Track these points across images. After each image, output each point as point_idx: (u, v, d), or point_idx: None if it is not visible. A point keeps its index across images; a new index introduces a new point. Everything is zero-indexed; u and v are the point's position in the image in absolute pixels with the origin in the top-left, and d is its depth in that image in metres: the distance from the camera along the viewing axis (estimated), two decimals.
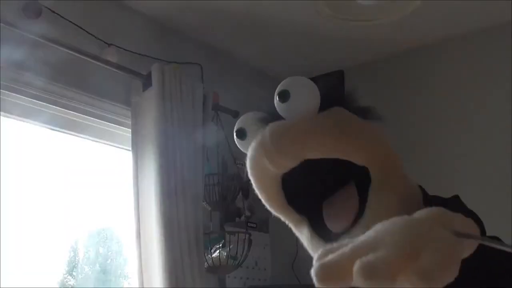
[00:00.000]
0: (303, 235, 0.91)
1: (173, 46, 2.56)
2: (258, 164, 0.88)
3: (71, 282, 2.35)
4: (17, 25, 1.91)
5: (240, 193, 2.60)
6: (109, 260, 2.55)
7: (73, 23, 2.13)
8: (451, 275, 0.55)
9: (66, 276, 2.33)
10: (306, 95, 0.85)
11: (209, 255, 2.30)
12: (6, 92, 1.99)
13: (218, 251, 2.32)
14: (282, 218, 0.92)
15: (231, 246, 2.33)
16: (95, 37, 2.21)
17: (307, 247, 0.91)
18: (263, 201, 0.91)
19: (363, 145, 0.83)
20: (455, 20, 2.60)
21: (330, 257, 0.55)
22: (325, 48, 2.84)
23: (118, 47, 2.27)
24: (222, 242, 2.35)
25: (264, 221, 2.87)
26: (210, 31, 2.66)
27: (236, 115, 2.61)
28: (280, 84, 0.86)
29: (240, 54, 2.89)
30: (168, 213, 2.10)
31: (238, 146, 0.95)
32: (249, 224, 2.69)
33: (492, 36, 2.64)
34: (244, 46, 2.80)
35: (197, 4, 2.42)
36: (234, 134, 0.93)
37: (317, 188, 0.89)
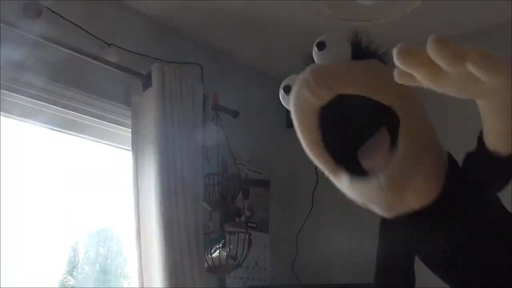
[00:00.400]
0: (342, 183, 1.05)
1: (173, 46, 2.56)
2: (300, 98, 1.02)
3: (71, 282, 2.35)
4: (17, 25, 1.91)
5: (240, 193, 2.60)
6: (109, 260, 2.55)
7: (73, 23, 2.13)
8: (506, 66, 0.62)
9: (66, 276, 2.33)
10: (339, 46, 1.04)
11: (209, 255, 2.30)
12: (6, 92, 1.99)
13: (218, 251, 2.32)
14: (321, 166, 1.06)
15: (231, 246, 2.33)
16: (95, 37, 2.21)
17: (348, 193, 1.03)
18: (304, 146, 1.04)
19: (390, 83, 0.94)
20: (455, 20, 2.60)
21: (409, 44, 0.66)
22: None
23: (118, 47, 2.27)
24: (222, 242, 2.35)
25: (264, 221, 2.87)
26: (210, 31, 2.66)
27: (236, 115, 2.61)
28: (319, 38, 1.07)
29: (240, 54, 2.89)
30: (168, 213, 2.10)
31: (283, 102, 1.09)
32: (249, 224, 2.69)
33: (492, 36, 2.64)
34: (244, 46, 2.80)
35: (197, 4, 2.42)
36: (281, 90, 1.09)
37: (352, 137, 1.02)
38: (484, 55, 0.61)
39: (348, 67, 1.03)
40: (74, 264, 2.38)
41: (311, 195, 2.84)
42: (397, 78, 0.68)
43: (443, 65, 0.64)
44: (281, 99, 1.09)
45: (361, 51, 1.06)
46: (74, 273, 2.37)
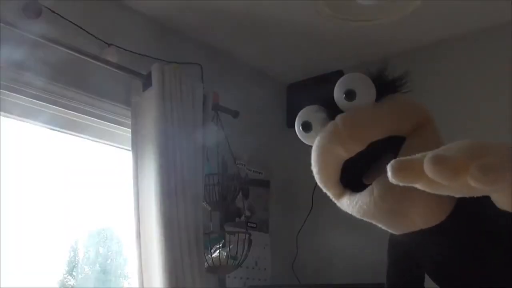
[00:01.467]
0: (343, 204, 1.04)
1: (173, 46, 2.56)
2: (328, 151, 1.00)
3: (71, 282, 2.35)
4: (17, 25, 1.91)
5: (240, 193, 2.60)
6: (109, 260, 2.55)
7: (73, 23, 2.13)
8: (507, 178, 0.61)
9: (66, 276, 2.33)
10: (367, 93, 1.01)
11: (209, 255, 2.30)
12: (6, 92, 1.99)
13: (218, 251, 2.32)
14: (327, 191, 1.05)
15: (231, 246, 2.33)
16: (95, 37, 2.21)
17: (349, 210, 1.01)
18: (318, 181, 1.03)
19: (411, 116, 1.00)
20: (455, 20, 2.60)
21: (403, 158, 0.65)
22: (325, 48, 2.84)
23: (118, 47, 2.27)
24: (222, 242, 2.35)
25: (264, 221, 2.87)
26: (210, 31, 2.66)
27: (236, 115, 2.61)
28: (343, 82, 1.02)
29: (240, 54, 2.89)
30: (168, 213, 2.10)
31: (301, 138, 1.07)
32: (249, 224, 2.69)
33: (492, 36, 2.64)
34: (244, 46, 2.80)
35: (197, 4, 2.42)
36: (300, 127, 1.06)
37: (363, 166, 1.01)
38: (485, 169, 0.60)
39: (376, 114, 1.01)
40: (74, 264, 2.38)
41: (311, 195, 2.84)
42: (392, 180, 0.66)
43: (444, 183, 0.63)
44: (298, 134, 1.06)
45: (383, 88, 1.05)
46: (74, 273, 2.37)
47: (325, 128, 1.00)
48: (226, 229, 2.52)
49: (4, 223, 1.97)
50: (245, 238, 2.36)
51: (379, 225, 1.07)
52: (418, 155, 0.65)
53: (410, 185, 0.65)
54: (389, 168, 0.64)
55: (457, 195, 0.67)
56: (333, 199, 1.07)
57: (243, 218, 2.68)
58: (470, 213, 0.99)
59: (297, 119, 1.07)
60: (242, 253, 2.34)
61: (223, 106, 2.56)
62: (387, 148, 1.00)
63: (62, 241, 2.32)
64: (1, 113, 2.01)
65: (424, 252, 1.11)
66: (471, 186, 0.61)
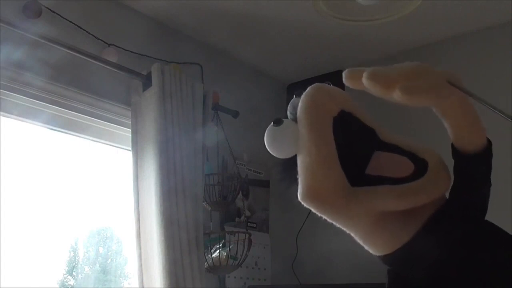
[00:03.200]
0: (360, 204, 1.01)
1: (173, 46, 2.56)
2: (317, 101, 1.02)
3: (71, 282, 2.35)
4: (17, 25, 1.91)
5: (240, 193, 2.60)
6: (109, 260, 2.54)
7: (73, 23, 2.14)
8: (427, 101, 0.78)
9: (66, 276, 2.33)
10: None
11: (209, 255, 2.30)
12: (6, 92, 1.99)
13: (218, 251, 2.32)
14: (330, 185, 1.02)
15: (231, 246, 2.33)
16: (95, 37, 2.21)
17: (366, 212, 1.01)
18: (315, 159, 1.02)
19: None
20: (455, 20, 2.60)
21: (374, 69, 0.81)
22: (325, 48, 2.84)
23: (118, 47, 2.27)
24: (222, 242, 2.35)
25: (264, 221, 2.87)
26: (210, 31, 2.66)
27: (236, 115, 2.61)
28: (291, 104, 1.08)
29: (240, 54, 2.89)
30: (168, 213, 2.10)
31: (268, 135, 1.09)
32: (249, 224, 2.69)
33: (492, 36, 2.64)
34: (244, 46, 2.80)
35: (197, 4, 2.42)
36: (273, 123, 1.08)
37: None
38: (406, 90, 0.75)
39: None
40: (74, 264, 2.38)
41: None
42: (346, 81, 0.82)
43: (377, 95, 0.77)
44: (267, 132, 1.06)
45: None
46: (74, 273, 2.37)
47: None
48: (226, 229, 2.52)
49: (4, 223, 1.97)
50: (245, 238, 2.36)
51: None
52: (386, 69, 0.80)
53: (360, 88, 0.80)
54: (343, 75, 0.82)
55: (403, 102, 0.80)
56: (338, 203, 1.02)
57: (243, 218, 2.68)
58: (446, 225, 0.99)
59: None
60: (242, 253, 2.34)
61: (223, 106, 2.56)
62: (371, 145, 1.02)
63: (62, 241, 2.32)
64: (1, 113, 2.01)
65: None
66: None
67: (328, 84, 1.02)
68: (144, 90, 2.29)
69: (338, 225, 1.06)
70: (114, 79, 2.26)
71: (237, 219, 2.68)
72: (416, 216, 0.97)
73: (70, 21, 2.12)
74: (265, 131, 1.09)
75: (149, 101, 2.25)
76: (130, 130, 2.28)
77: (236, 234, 2.35)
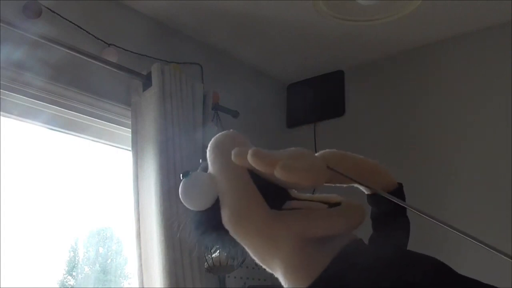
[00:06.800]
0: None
1: (173, 46, 2.56)
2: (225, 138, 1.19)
3: (71, 282, 2.35)
4: (17, 25, 1.91)
5: None
6: (109, 260, 2.54)
7: (73, 23, 2.14)
8: (305, 181, 0.89)
9: (66, 276, 2.33)
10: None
11: (209, 255, 2.30)
12: (6, 92, 1.99)
13: (218, 251, 2.32)
14: (253, 215, 1.11)
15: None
16: (95, 37, 2.21)
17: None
18: (234, 193, 1.07)
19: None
20: (455, 20, 2.61)
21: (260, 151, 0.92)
22: (325, 48, 2.84)
23: (118, 47, 2.27)
24: None
25: None
26: (210, 31, 2.66)
27: (236, 115, 2.61)
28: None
29: (240, 54, 2.89)
30: (168, 213, 2.10)
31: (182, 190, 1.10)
32: None
33: (492, 36, 2.64)
34: (244, 46, 2.80)
35: (197, 4, 2.42)
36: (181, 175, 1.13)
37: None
38: (284, 167, 0.86)
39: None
40: (74, 264, 2.38)
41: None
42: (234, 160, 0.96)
43: (261, 169, 0.91)
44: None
45: None
46: (74, 273, 2.37)
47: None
48: None
49: (4, 223, 1.97)
50: None
51: None
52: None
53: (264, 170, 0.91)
54: (232, 154, 0.96)
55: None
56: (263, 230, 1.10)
57: None
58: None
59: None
60: (242, 253, 2.33)
61: (223, 106, 2.56)
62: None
63: (62, 241, 2.32)
64: (1, 113, 2.01)
65: None
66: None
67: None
68: (144, 90, 2.29)
69: (258, 256, 1.15)
70: (114, 79, 2.26)
71: None
72: (330, 245, 1.00)
73: (70, 21, 2.12)
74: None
75: (149, 101, 2.25)
76: (130, 130, 2.28)
77: None
